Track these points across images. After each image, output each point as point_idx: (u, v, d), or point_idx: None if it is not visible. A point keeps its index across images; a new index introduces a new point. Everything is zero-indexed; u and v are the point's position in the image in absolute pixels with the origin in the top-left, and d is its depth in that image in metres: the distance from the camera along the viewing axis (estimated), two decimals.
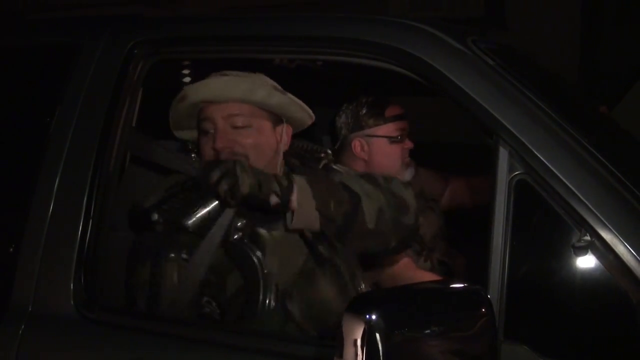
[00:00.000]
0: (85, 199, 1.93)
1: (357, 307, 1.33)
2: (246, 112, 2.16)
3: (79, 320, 1.87)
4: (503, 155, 1.65)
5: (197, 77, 2.36)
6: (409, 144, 2.94)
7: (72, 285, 1.89)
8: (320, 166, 2.34)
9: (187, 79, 2.50)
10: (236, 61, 2.16)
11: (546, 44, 6.59)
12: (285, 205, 1.98)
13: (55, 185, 1.96)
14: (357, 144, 2.90)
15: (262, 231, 2.09)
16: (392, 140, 2.90)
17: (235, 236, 2.07)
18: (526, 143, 1.64)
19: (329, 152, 2.52)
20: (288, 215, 2.00)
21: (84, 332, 1.88)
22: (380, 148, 2.90)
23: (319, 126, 3.09)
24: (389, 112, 2.91)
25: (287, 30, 1.99)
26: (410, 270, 2.48)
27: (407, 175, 2.95)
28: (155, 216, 2.07)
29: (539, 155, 1.62)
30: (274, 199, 1.96)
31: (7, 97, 2.18)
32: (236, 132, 2.15)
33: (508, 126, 1.66)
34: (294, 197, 1.98)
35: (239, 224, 2.08)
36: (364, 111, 2.90)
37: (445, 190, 3.23)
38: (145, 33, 2.08)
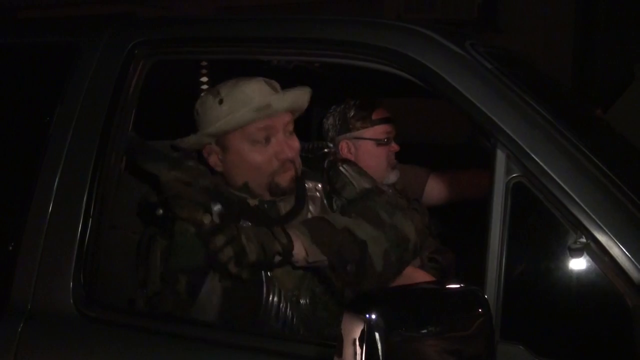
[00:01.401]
0: (85, 197, 1.94)
1: (357, 306, 1.35)
2: (293, 119, 2.20)
3: (78, 318, 1.88)
4: (500, 157, 1.67)
5: (196, 77, 2.37)
6: (395, 147, 2.99)
7: (71, 283, 1.90)
8: (325, 164, 2.35)
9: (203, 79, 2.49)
10: (236, 62, 2.17)
11: (539, 47, 6.63)
12: (287, 261, 2.01)
13: (55, 184, 1.97)
14: (344, 146, 2.94)
15: None
16: (379, 142, 2.95)
17: None
18: (523, 146, 1.65)
19: (331, 145, 2.54)
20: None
21: (83, 331, 1.88)
22: (367, 150, 2.95)
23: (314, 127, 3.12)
24: (376, 115, 2.96)
25: (287, 32, 2.00)
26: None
27: (393, 176, 3.00)
28: (160, 211, 2.07)
29: (535, 158, 1.64)
30: (277, 259, 1.98)
31: (7, 96, 2.18)
32: (289, 139, 2.18)
33: (505, 129, 1.68)
34: (297, 251, 2.00)
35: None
36: (352, 114, 2.95)
37: (426, 185, 3.25)
38: (145, 33, 2.09)
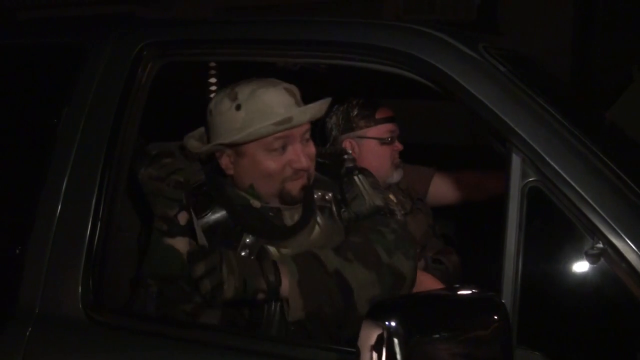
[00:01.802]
0: (93, 200, 1.92)
1: (377, 314, 1.35)
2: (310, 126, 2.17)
3: (87, 323, 1.86)
4: (516, 162, 1.66)
5: (204, 79, 2.35)
6: (398, 146, 2.97)
7: (80, 287, 1.88)
8: (343, 171, 2.32)
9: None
10: (244, 64, 2.16)
11: (538, 48, 6.61)
12: (271, 298, 1.97)
13: (63, 187, 1.95)
14: (347, 145, 2.93)
15: (271, 249, 2.06)
16: (382, 141, 2.93)
17: (243, 253, 2.05)
18: (539, 150, 1.64)
19: (350, 152, 2.53)
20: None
21: (93, 335, 1.87)
22: (371, 149, 2.93)
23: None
24: (380, 114, 2.94)
25: (299, 35, 1.98)
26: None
27: (397, 176, 2.98)
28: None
29: (551, 163, 1.63)
30: (260, 296, 1.94)
31: (14, 97, 2.16)
32: (306, 147, 2.14)
33: (521, 133, 1.66)
34: (283, 289, 1.95)
35: (247, 240, 2.07)
36: (355, 112, 2.93)
37: (430, 185, 3.23)
38: (154, 35, 2.07)
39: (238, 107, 2.08)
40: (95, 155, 1.96)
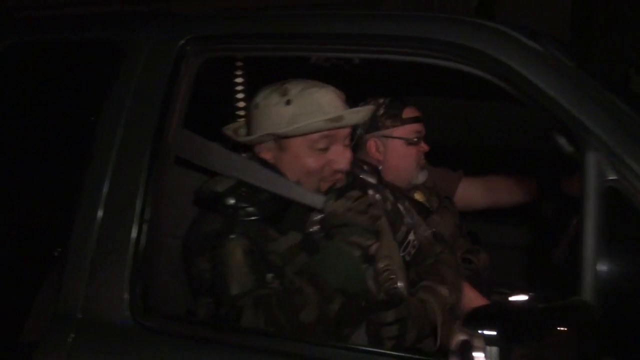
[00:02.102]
0: (138, 200, 1.85)
1: (473, 321, 1.30)
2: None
3: (135, 328, 1.78)
4: (592, 161, 1.59)
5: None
6: (424, 147, 2.92)
7: (126, 292, 1.80)
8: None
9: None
10: (286, 59, 2.09)
11: None
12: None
13: (106, 186, 1.87)
14: (372, 145, 2.87)
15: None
16: (409, 142, 2.87)
17: (312, 229, 2.05)
18: (616, 148, 1.58)
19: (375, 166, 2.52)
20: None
21: (141, 341, 1.79)
22: (396, 149, 2.87)
23: None
24: (407, 114, 2.88)
25: (350, 29, 1.89)
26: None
27: (421, 177, 2.93)
28: (232, 201, 2.01)
29: (630, 161, 1.56)
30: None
31: (55, 95, 2.08)
32: (346, 151, 2.16)
33: (596, 131, 1.60)
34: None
35: (316, 217, 2.06)
36: (382, 112, 2.88)
37: (457, 188, 3.20)
38: (197, 29, 2.00)
39: (288, 102, 2.08)
40: (139, 155, 1.88)
